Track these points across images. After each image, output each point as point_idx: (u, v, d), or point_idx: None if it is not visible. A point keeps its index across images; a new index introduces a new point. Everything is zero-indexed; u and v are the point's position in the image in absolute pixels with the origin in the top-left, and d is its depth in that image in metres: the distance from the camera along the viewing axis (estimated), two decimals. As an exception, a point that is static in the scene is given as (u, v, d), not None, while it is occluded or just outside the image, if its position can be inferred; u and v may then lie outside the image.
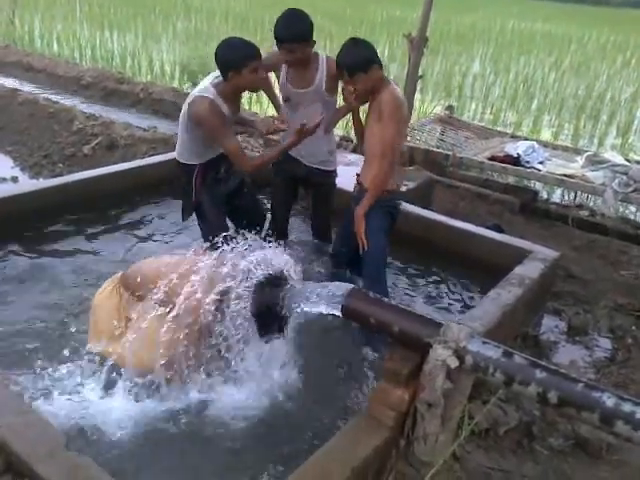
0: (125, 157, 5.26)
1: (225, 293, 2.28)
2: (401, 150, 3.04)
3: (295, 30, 3.08)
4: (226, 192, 3.38)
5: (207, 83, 3.05)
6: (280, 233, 3.50)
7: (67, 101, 7.38)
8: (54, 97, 7.45)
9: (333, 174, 3.58)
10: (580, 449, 2.24)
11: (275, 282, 2.34)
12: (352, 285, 2.26)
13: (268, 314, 2.33)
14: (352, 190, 3.20)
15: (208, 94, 2.98)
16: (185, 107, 3.06)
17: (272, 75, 3.48)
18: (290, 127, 3.23)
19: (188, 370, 2.32)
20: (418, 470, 2.00)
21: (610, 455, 2.22)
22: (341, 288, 2.24)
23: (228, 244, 2.38)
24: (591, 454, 2.22)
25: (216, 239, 2.44)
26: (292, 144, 3.17)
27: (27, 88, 7.85)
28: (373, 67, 2.80)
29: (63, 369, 2.42)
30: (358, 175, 3.12)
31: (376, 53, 2.87)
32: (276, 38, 3.10)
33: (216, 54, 2.96)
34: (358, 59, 2.80)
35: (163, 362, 2.26)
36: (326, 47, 11.27)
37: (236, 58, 2.92)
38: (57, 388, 2.35)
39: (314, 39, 3.16)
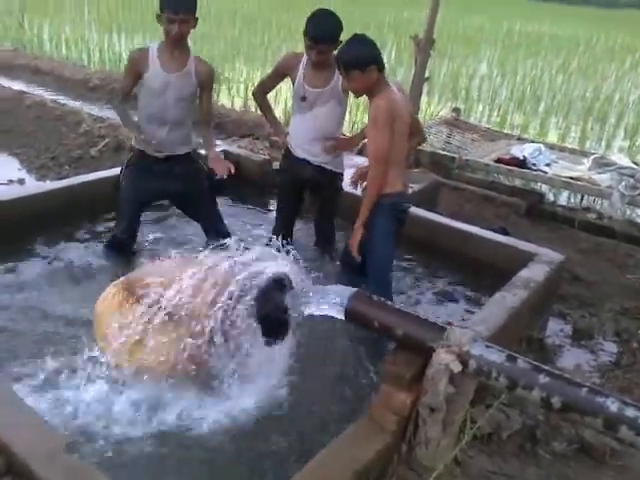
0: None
1: (230, 297, 2.28)
2: (405, 152, 2.99)
3: (333, 32, 3.12)
4: (158, 192, 3.44)
5: None
6: (285, 236, 3.49)
7: (74, 104, 7.41)
8: (61, 100, 7.48)
9: (340, 177, 3.57)
10: (584, 454, 2.22)
11: (279, 286, 2.34)
12: (356, 288, 2.25)
13: (272, 318, 2.33)
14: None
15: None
16: None
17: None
18: (303, 124, 3.36)
19: (189, 372, 2.32)
20: (420, 475, 1.99)
21: (614, 460, 2.20)
22: (345, 291, 2.24)
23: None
24: (595, 459, 2.20)
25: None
26: None
27: (35, 91, 7.89)
28: (371, 68, 2.73)
29: (66, 371, 2.42)
30: None
31: (379, 54, 2.79)
32: (312, 38, 3.10)
33: None
34: (357, 56, 2.73)
35: (163, 362, 2.26)
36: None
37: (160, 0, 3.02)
38: (56, 386, 2.36)
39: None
